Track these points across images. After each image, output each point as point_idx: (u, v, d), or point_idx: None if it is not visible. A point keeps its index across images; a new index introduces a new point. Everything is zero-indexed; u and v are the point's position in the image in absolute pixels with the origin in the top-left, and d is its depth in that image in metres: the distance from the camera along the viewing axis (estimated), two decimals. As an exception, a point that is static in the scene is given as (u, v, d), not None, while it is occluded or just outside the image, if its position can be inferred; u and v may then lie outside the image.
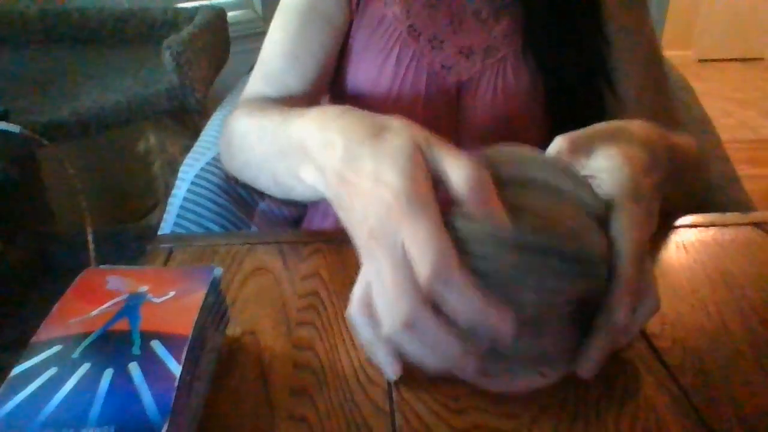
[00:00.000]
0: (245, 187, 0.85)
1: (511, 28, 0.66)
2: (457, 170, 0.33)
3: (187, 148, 0.90)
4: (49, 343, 0.30)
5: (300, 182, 0.44)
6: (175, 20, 1.15)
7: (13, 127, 0.78)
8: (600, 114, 0.67)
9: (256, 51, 1.11)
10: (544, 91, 0.66)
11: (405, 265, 0.31)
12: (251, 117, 0.58)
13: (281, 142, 0.48)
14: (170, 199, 0.82)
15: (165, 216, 0.81)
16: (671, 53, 4.02)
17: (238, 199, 0.84)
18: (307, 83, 0.67)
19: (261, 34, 1.83)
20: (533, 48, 0.65)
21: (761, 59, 4.48)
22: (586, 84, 0.67)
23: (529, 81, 0.65)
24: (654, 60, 0.71)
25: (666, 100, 0.71)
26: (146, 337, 0.30)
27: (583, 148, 0.39)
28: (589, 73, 0.67)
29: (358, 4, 0.69)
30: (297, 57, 0.67)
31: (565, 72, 0.65)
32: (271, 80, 0.68)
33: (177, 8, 1.19)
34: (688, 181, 0.60)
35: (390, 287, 0.31)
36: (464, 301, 0.31)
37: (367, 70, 0.67)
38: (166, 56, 0.93)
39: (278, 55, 0.69)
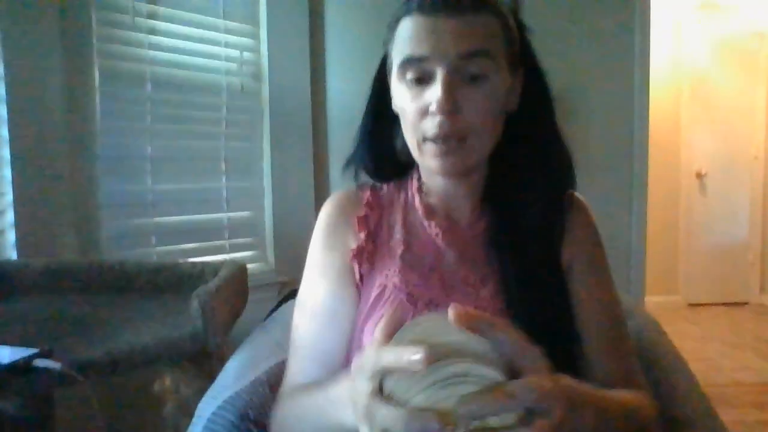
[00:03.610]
0: (257, 425, 0.93)
1: (496, 291, 0.78)
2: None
3: (201, 390, 0.99)
4: None
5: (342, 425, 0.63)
6: (202, 273, 1.32)
7: (55, 364, 0.89)
8: (574, 361, 0.77)
9: (269, 300, 1.25)
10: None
11: None
12: (299, 404, 0.77)
13: (325, 409, 0.68)
14: (187, 435, 0.90)
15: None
16: (660, 298, 4.33)
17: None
18: (332, 372, 0.80)
19: (273, 285, 2.03)
20: (513, 309, 0.76)
21: (746, 303, 4.69)
22: (560, 339, 0.78)
23: None
24: (615, 325, 0.81)
25: (625, 361, 0.80)
26: None
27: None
28: (563, 331, 0.77)
29: (362, 280, 0.83)
30: (323, 362, 0.82)
31: (541, 329, 0.76)
32: (303, 376, 0.82)
33: (205, 262, 1.38)
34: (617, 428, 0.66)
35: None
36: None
37: (373, 330, 0.79)
38: (194, 304, 1.07)
39: (306, 357, 0.83)
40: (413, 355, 0.47)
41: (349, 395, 0.58)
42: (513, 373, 0.51)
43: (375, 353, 0.52)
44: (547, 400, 0.49)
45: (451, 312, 0.50)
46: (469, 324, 0.50)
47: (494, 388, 0.47)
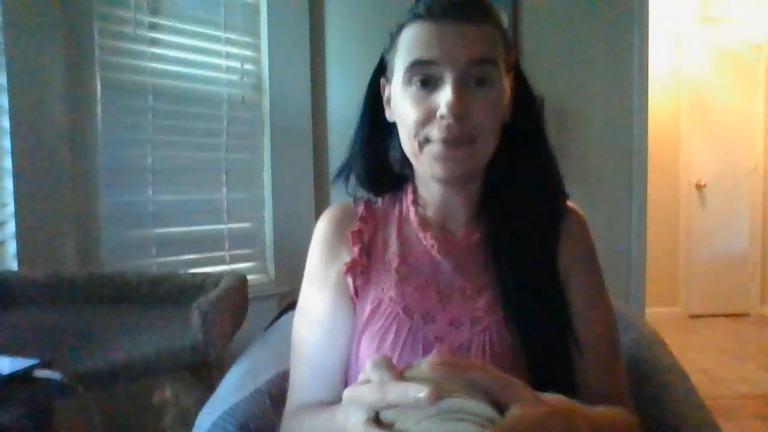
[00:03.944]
0: (256, 435, 0.93)
1: (492, 301, 0.78)
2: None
3: (200, 401, 0.99)
4: None
5: None
6: (202, 284, 1.32)
7: (55, 374, 0.89)
8: (571, 371, 0.78)
9: (268, 311, 1.26)
10: (525, 352, 0.76)
11: None
12: (305, 425, 0.76)
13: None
14: (188, 445, 0.90)
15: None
16: (660, 310, 4.32)
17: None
18: (332, 389, 0.81)
19: (273, 296, 2.03)
20: (512, 318, 0.76)
21: (747, 314, 4.68)
22: (558, 348, 0.78)
23: (511, 344, 0.75)
24: (611, 338, 0.82)
25: (618, 375, 0.81)
26: None
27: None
28: (560, 340, 0.77)
29: (356, 293, 0.83)
30: (324, 379, 0.82)
31: (540, 337, 0.75)
32: (307, 393, 0.82)
33: (205, 273, 1.38)
34: None
35: None
36: None
37: (369, 343, 0.78)
38: (195, 315, 1.07)
39: (309, 373, 0.83)
40: (419, 393, 0.48)
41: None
42: (499, 406, 0.52)
43: (378, 388, 0.52)
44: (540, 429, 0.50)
45: (424, 365, 0.52)
46: (445, 370, 0.52)
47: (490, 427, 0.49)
